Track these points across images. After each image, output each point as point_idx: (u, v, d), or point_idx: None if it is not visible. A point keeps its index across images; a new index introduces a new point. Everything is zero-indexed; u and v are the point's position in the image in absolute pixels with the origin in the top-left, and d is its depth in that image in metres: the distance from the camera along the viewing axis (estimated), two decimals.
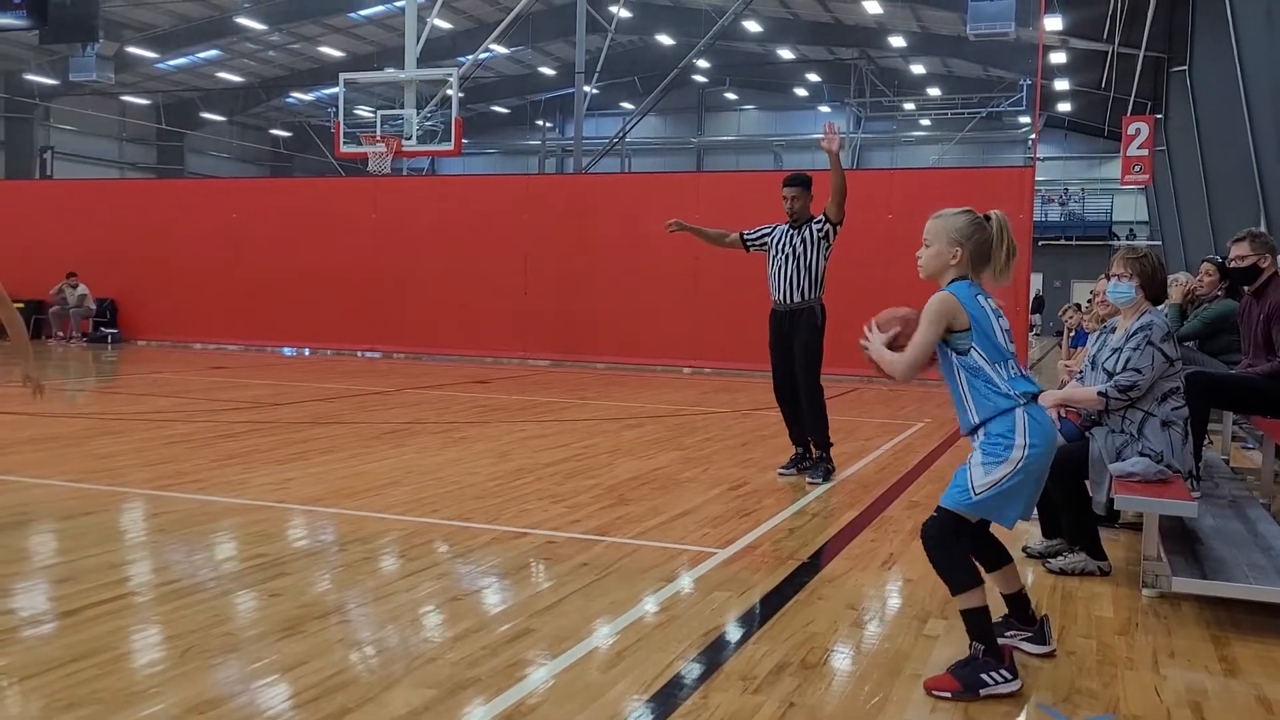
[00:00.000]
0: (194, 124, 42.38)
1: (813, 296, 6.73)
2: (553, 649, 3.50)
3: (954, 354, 3.30)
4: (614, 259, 16.12)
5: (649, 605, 4.04)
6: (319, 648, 3.47)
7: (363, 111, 19.06)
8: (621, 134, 27.39)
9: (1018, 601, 3.58)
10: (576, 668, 3.34)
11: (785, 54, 38.17)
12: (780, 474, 6.86)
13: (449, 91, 16.09)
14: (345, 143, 16.26)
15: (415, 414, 9.85)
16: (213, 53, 37.87)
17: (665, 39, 35.06)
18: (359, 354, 17.46)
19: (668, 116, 43.66)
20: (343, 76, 16.90)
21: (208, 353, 17.47)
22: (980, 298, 3.32)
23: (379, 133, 16.00)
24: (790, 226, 6.83)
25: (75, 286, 18.84)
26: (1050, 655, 3.58)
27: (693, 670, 3.36)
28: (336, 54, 36.97)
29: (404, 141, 15.69)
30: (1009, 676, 3.22)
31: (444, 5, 17.69)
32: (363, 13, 33.95)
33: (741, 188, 15.44)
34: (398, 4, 23.06)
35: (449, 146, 15.94)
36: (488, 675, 3.24)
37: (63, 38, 23.36)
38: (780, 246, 6.81)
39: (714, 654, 3.51)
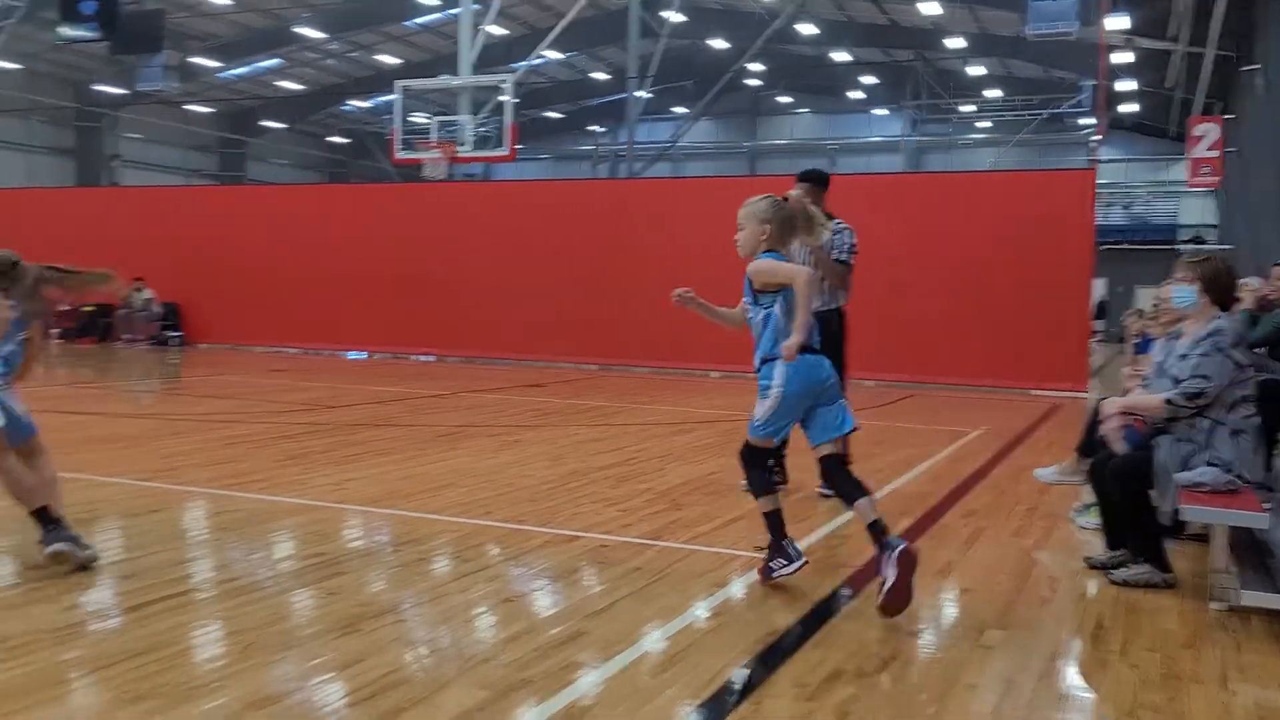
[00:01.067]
0: (254, 132, 43.23)
1: (830, 308, 6.32)
2: (604, 652, 3.50)
3: (762, 308, 4.19)
4: (664, 263, 16.10)
5: (701, 610, 4.03)
6: (375, 646, 3.51)
7: (418, 118, 19.29)
8: (674, 139, 27.39)
9: (775, 527, 4.36)
10: (628, 672, 3.34)
11: (840, 57, 37.87)
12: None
13: (503, 98, 16.22)
14: (401, 149, 16.45)
15: (470, 417, 9.94)
16: (273, 62, 38.61)
17: (718, 43, 34.99)
18: (413, 357, 17.66)
19: (720, 121, 43.57)
20: (399, 84, 17.11)
21: (267, 355, 17.78)
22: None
23: (434, 139, 16.16)
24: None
25: (141, 291, 19.31)
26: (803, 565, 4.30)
27: (745, 676, 3.34)
28: (393, 61, 37.46)
29: (459, 147, 15.84)
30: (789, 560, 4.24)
31: (498, 12, 17.87)
32: (418, 21, 34.37)
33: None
34: (453, 11, 23.34)
35: (503, 152, 16.06)
36: (540, 677, 3.25)
37: (130, 49, 23.97)
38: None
39: (767, 660, 3.49)
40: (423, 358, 17.58)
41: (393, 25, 34.77)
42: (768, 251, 4.21)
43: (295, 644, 3.51)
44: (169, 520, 5.47)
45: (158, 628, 3.64)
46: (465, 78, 16.06)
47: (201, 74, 37.20)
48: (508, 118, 15.73)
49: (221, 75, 38.46)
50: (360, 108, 44.02)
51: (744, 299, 4.30)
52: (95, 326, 19.90)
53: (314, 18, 33.40)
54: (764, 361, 4.20)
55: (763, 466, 4.42)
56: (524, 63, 21.66)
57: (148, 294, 19.34)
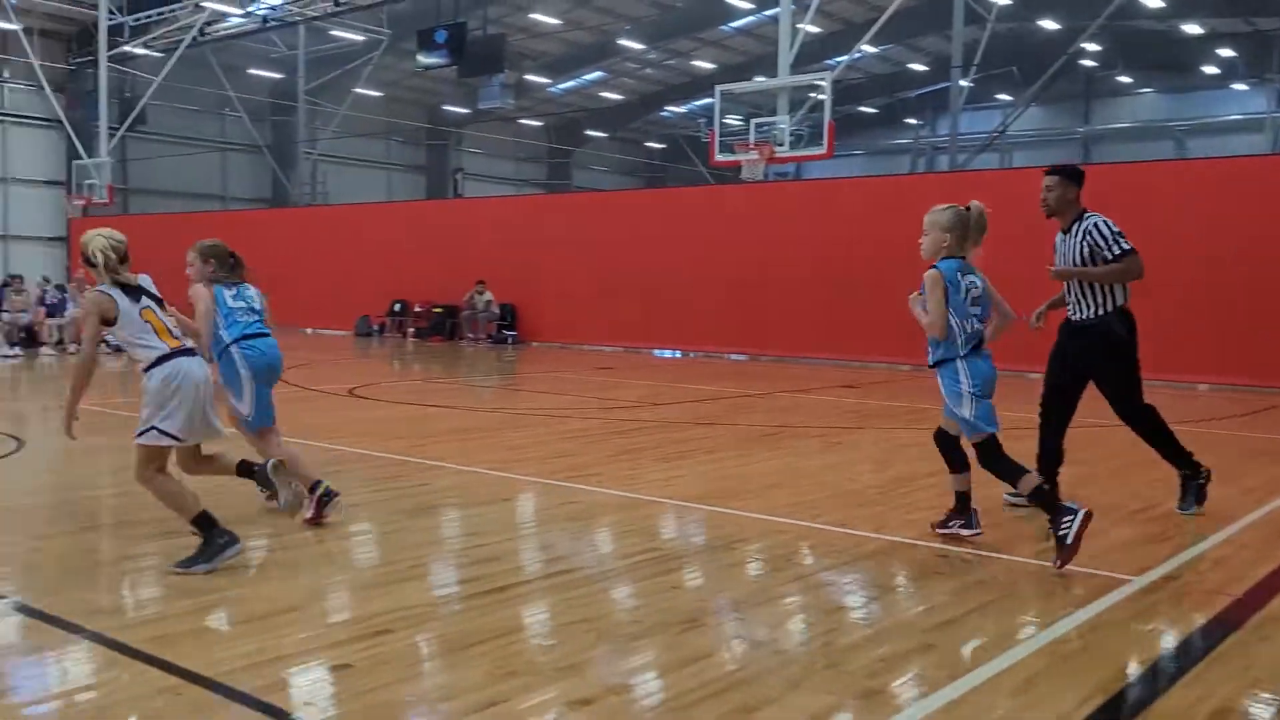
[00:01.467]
0: (579, 141, 45.81)
1: (1106, 311, 5.63)
2: (955, 668, 3.37)
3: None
4: (991, 259, 15.30)
5: (1057, 631, 3.76)
6: (720, 643, 3.59)
7: (731, 120, 19.53)
8: (1003, 127, 26.01)
9: (963, 499, 5.02)
10: (983, 691, 3.18)
11: (1191, 29, 34.28)
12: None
13: (819, 96, 16.10)
14: (720, 152, 16.77)
15: (789, 417, 9.94)
16: (597, 74, 40.74)
17: (1049, 23, 32.80)
18: (726, 356, 17.94)
19: (1049, 107, 40.71)
20: (718, 88, 17.42)
21: (592, 354, 18.76)
22: (960, 273, 4.76)
23: (752, 140, 16.32)
24: (1061, 230, 5.82)
25: (482, 293, 21.03)
26: (978, 535, 4.92)
27: (1115, 707, 3.08)
28: (708, 66, 38.31)
29: (776, 148, 15.89)
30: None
31: (815, 10, 17.78)
32: (733, 24, 34.92)
33: (1136, 179, 14.10)
34: (769, 13, 23.50)
35: (821, 150, 15.92)
36: (888, 688, 3.18)
37: (475, 71, 26.17)
38: (1060, 257, 5.82)
39: (1138, 692, 3.21)
40: (735, 357, 17.83)
41: (709, 31, 35.56)
42: (948, 258, 4.75)
43: (643, 635, 3.65)
44: (519, 509, 5.90)
45: (520, 610, 3.93)
46: (784, 78, 16.08)
47: (534, 90, 39.95)
48: (826, 115, 15.57)
49: (551, 90, 41.11)
50: (676, 113, 45.40)
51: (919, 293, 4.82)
52: (443, 326, 21.91)
53: (635, 30, 34.86)
54: (939, 363, 4.79)
55: (1002, 455, 4.76)
56: (843, 58, 21.41)
57: (488, 296, 21.02)
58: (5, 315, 16.58)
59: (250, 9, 28.49)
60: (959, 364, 4.73)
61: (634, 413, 10.05)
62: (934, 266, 4.76)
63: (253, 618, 3.78)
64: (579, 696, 3.07)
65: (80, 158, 28.53)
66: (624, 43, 35.67)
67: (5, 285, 18.41)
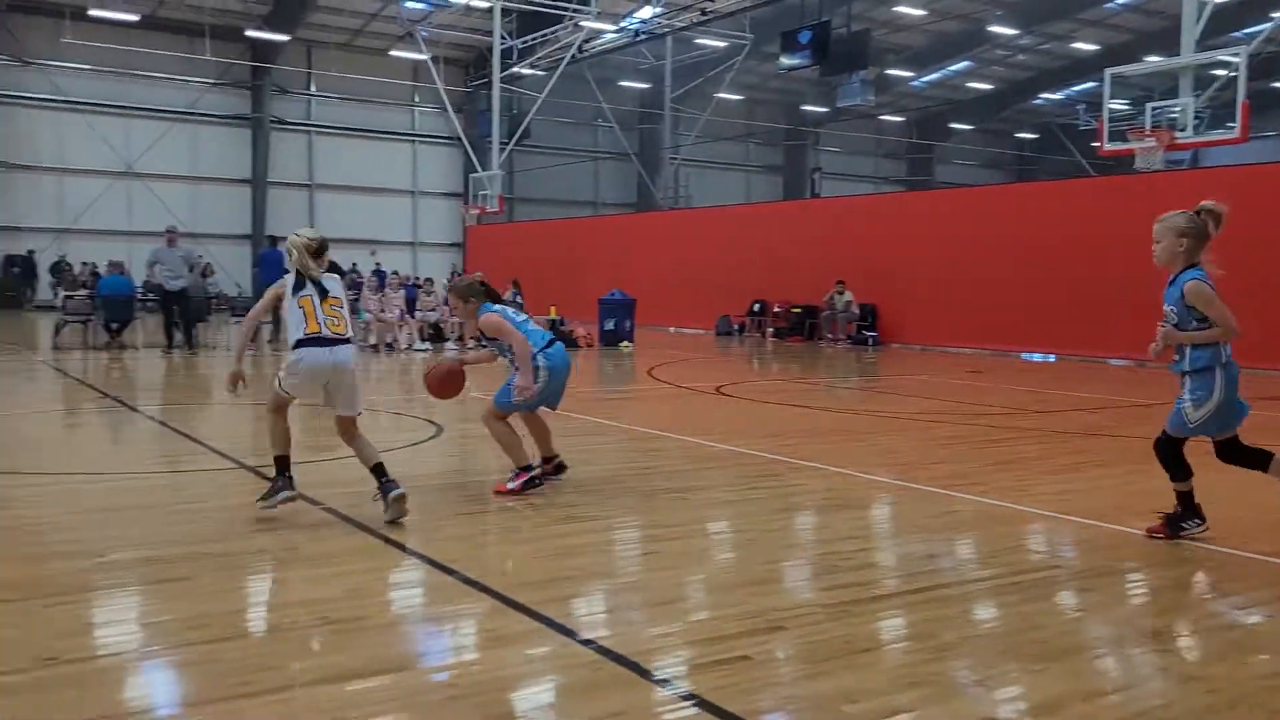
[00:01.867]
0: (942, 135, 44.16)
1: None
2: None
3: (1194, 320, 4.62)
4: None
5: None
6: (1139, 673, 3.30)
7: (1115, 105, 17.93)
8: None
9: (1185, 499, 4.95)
10: None
11: None
12: None
13: (1230, 73, 14.35)
14: (1110, 140, 15.44)
15: None
16: (963, 64, 39.06)
17: None
18: (1107, 361, 16.49)
19: None
20: (1109, 71, 16.03)
21: (956, 356, 18.01)
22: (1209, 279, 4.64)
23: (1148, 126, 14.87)
24: None
25: (842, 293, 20.88)
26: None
27: None
28: (1089, 48, 35.52)
29: (1177, 133, 14.36)
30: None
31: None
32: (1120, 1, 32.09)
33: None
34: None
35: (1232, 134, 14.17)
36: None
37: (836, 69, 26.04)
38: None
39: None
40: (1117, 362, 16.34)
41: (1091, 10, 32.95)
42: (1190, 266, 4.67)
43: (1050, 656, 3.42)
44: (899, 515, 5.77)
45: (908, 619, 3.84)
46: (1189, 55, 14.48)
47: (895, 85, 39.10)
48: (1240, 94, 13.81)
49: (913, 84, 40.00)
50: (1050, 100, 42.52)
51: (1167, 305, 4.72)
52: (802, 326, 22.01)
53: (1007, 15, 33.08)
54: (1197, 371, 4.68)
55: (1180, 455, 4.94)
56: (1260, 27, 18.95)
57: (847, 296, 20.84)
58: (416, 314, 18.78)
59: (623, 24, 30.29)
60: (1218, 372, 4.66)
61: (1012, 419, 9.51)
62: (1188, 276, 4.65)
63: (650, 604, 3.99)
64: (985, 714, 2.94)
65: (475, 171, 31.74)
66: (994, 29, 33.95)
67: (380, 277, 20.64)
